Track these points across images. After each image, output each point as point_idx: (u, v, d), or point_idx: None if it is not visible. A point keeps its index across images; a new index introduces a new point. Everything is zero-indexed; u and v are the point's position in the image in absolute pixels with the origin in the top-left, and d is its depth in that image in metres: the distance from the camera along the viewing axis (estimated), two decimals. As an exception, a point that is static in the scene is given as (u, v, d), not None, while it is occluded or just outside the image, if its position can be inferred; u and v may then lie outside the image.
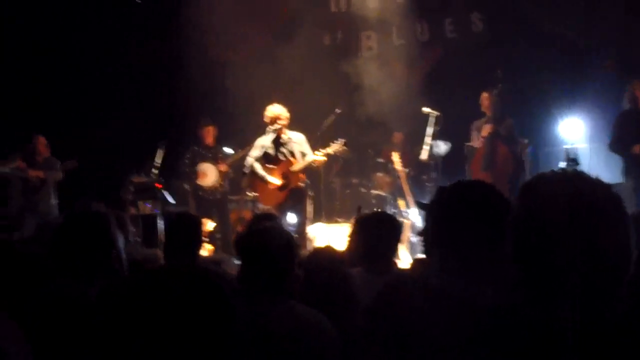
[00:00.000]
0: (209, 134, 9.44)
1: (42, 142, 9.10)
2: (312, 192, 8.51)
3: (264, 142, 7.92)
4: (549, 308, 1.50)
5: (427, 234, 2.16)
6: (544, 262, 1.51)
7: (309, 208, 8.27)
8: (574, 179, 1.56)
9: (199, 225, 4.30)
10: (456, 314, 1.87)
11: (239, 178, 8.97)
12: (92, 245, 2.61)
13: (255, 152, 7.95)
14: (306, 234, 8.10)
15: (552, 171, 1.61)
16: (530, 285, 1.54)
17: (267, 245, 2.68)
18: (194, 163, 9.37)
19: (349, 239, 3.98)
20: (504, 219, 1.92)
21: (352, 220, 4.15)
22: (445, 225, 2.09)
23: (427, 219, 2.19)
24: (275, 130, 7.81)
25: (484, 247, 2.01)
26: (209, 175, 9.29)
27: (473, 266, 2.00)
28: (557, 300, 1.49)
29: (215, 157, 9.36)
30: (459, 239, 2.04)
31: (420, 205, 6.79)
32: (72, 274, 2.57)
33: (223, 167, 9.22)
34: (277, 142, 7.95)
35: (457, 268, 2.01)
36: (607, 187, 1.56)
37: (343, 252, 3.99)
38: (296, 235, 8.10)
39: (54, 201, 8.99)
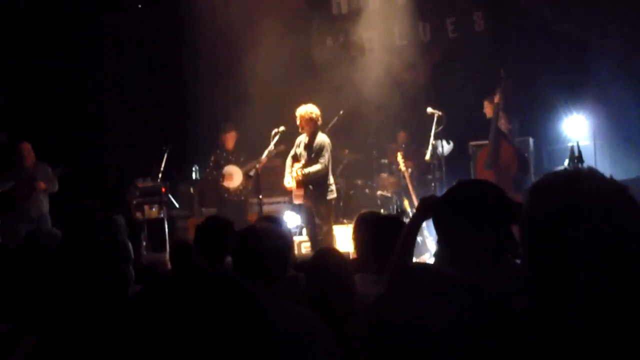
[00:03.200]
0: (232, 139, 9.64)
1: (25, 148, 8.75)
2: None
3: (297, 141, 8.17)
4: (557, 310, 1.49)
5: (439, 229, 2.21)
6: (555, 263, 1.50)
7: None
8: (587, 178, 1.54)
9: (229, 229, 4.07)
10: (470, 301, 1.89)
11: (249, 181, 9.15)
12: (106, 253, 2.40)
13: (292, 150, 8.22)
14: (318, 237, 8.11)
15: (565, 169, 1.59)
16: (539, 284, 1.54)
17: (257, 246, 2.65)
18: (218, 166, 9.49)
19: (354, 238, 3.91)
20: (503, 214, 2.05)
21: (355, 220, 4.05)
22: (449, 222, 2.14)
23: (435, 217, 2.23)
24: (302, 130, 7.99)
25: (484, 240, 2.06)
26: (235, 177, 9.45)
27: (478, 258, 2.05)
28: (565, 303, 1.48)
29: (237, 161, 9.52)
30: (463, 234, 2.09)
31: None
32: (86, 285, 2.36)
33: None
34: (305, 143, 8.07)
35: (463, 260, 2.05)
36: (622, 187, 1.53)
37: (347, 254, 3.96)
38: (306, 237, 8.25)
39: (45, 208, 8.75)
